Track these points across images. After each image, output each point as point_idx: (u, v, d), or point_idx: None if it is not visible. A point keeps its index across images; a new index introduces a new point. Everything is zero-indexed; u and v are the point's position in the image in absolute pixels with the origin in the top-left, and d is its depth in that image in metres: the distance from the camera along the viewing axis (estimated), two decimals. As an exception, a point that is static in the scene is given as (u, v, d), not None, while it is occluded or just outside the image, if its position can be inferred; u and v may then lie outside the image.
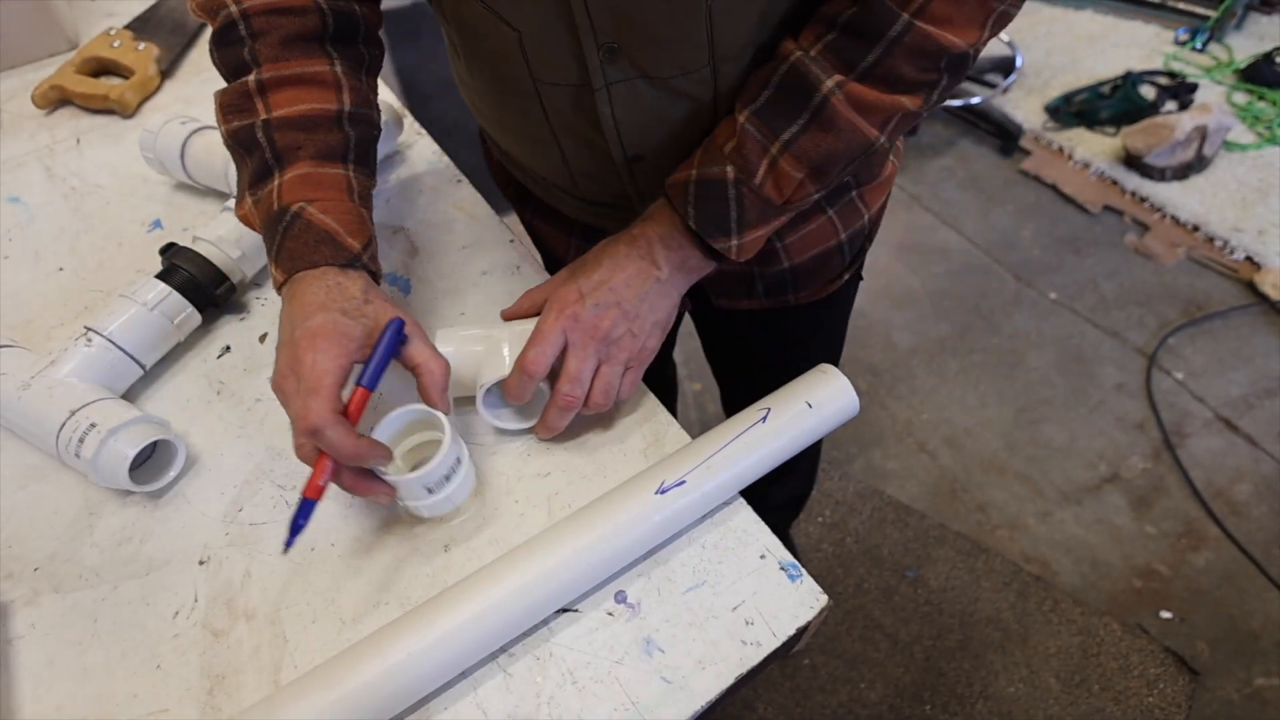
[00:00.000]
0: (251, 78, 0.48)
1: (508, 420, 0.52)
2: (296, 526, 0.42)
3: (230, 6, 0.49)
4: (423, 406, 0.46)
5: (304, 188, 0.47)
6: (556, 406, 0.49)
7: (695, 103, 0.51)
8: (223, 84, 0.50)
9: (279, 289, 0.47)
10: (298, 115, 0.48)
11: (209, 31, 0.51)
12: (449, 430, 0.45)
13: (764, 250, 0.65)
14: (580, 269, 0.51)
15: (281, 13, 0.49)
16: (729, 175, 0.48)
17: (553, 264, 0.68)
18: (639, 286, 0.50)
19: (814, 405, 0.50)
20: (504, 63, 0.51)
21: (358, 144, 0.51)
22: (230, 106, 0.49)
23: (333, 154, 0.49)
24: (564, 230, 0.69)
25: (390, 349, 0.45)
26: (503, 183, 0.73)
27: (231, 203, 0.62)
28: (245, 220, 0.49)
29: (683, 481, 0.46)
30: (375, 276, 0.49)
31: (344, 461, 0.42)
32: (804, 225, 0.64)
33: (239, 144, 0.49)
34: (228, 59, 0.50)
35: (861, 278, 0.75)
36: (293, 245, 0.46)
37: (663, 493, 0.45)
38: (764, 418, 0.49)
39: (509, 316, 0.55)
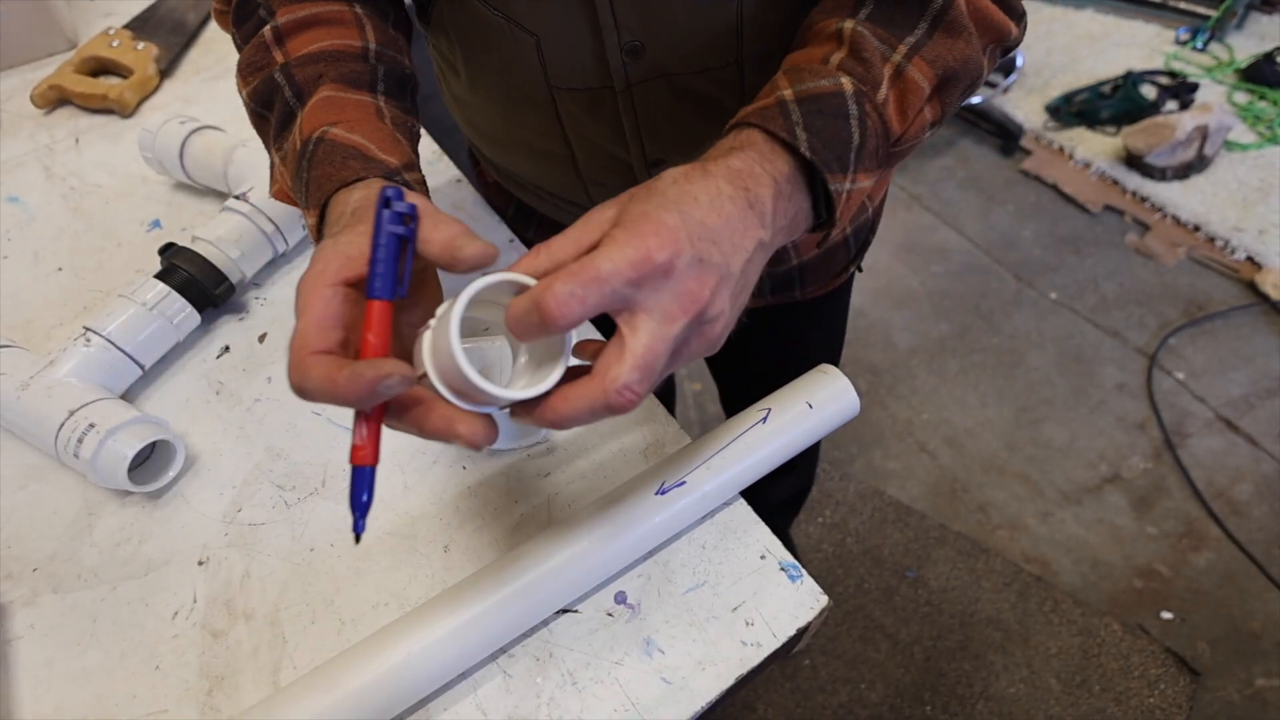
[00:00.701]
0: (267, 29, 0.44)
1: (501, 442, 0.52)
2: (359, 504, 0.31)
3: None
4: (499, 277, 0.31)
5: (326, 111, 0.40)
6: (606, 405, 0.30)
7: (720, 105, 0.50)
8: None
9: (317, 242, 0.37)
10: (317, 50, 0.43)
11: (210, 29, 0.49)
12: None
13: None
14: (664, 197, 0.32)
15: None
16: (846, 87, 0.36)
17: None
18: (743, 246, 0.33)
19: (814, 406, 0.50)
20: (516, 72, 0.50)
21: (386, 77, 0.44)
22: (249, 66, 0.44)
23: (358, 81, 0.43)
24: None
25: (390, 232, 0.31)
26: (500, 204, 0.71)
27: (233, 202, 0.62)
28: (280, 196, 0.44)
29: (683, 482, 0.46)
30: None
31: (352, 404, 0.30)
32: None
33: (260, 102, 0.43)
34: (247, 32, 0.45)
35: (861, 269, 0.76)
36: (318, 173, 0.37)
37: (663, 493, 0.45)
38: (764, 418, 0.49)
39: (534, 268, 0.32)
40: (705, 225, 0.32)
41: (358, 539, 0.32)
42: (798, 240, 0.61)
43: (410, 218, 0.32)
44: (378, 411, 0.32)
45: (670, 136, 0.52)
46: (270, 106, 0.43)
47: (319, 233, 0.38)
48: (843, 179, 0.36)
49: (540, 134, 0.54)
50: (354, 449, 0.32)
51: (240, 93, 0.45)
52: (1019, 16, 0.43)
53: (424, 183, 0.40)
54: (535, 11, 0.45)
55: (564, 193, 0.61)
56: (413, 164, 0.40)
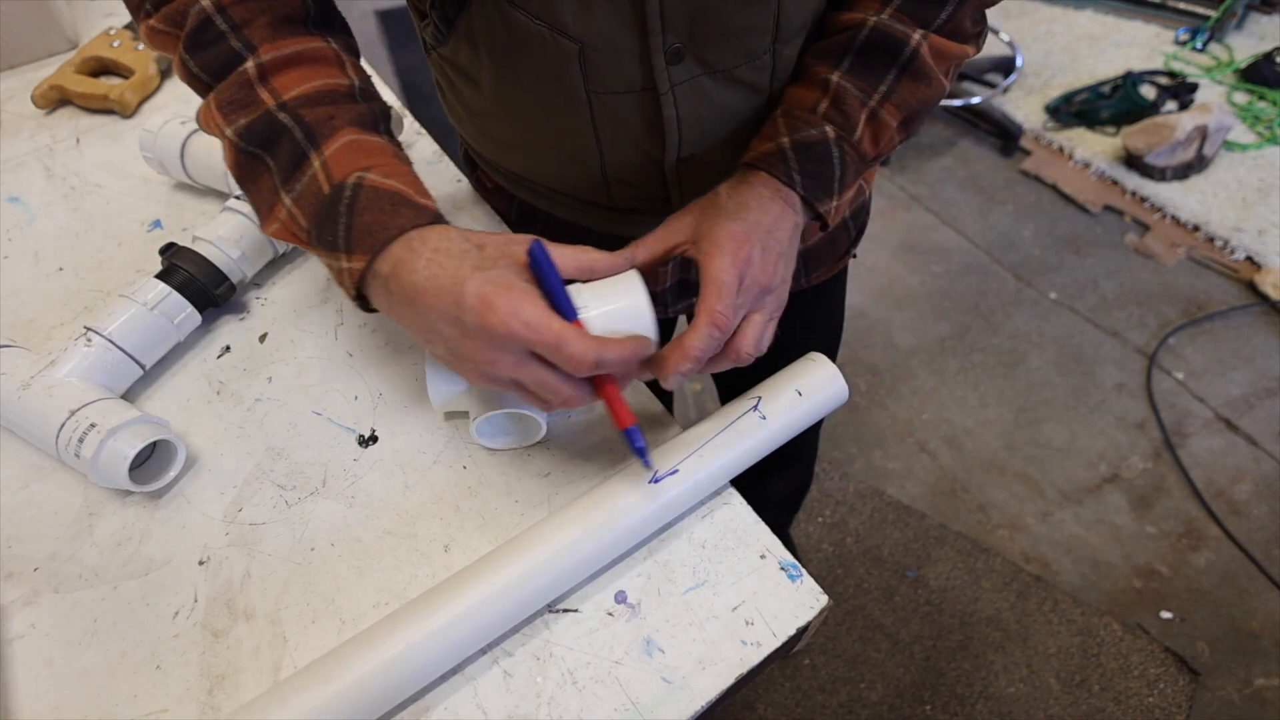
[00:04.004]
0: (249, 64, 0.42)
1: (501, 441, 0.53)
2: (641, 450, 0.43)
3: (200, 2, 0.43)
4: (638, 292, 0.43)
5: (355, 156, 0.41)
6: (712, 324, 0.42)
7: (753, 91, 0.52)
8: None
9: (357, 283, 0.40)
10: (314, 91, 0.43)
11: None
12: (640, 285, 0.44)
13: None
14: (726, 210, 0.46)
15: None
16: (829, 135, 0.47)
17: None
18: (787, 229, 0.47)
19: (804, 393, 0.50)
20: (551, 79, 0.49)
21: (382, 118, 0.45)
22: (231, 104, 0.42)
23: (365, 123, 0.43)
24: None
25: (557, 275, 0.41)
26: (501, 208, 0.70)
27: (233, 202, 0.62)
28: (282, 234, 0.43)
29: (675, 470, 0.46)
30: None
31: (628, 367, 0.40)
32: None
33: (255, 141, 0.42)
34: (211, 60, 0.43)
35: (855, 255, 0.78)
36: (366, 219, 0.39)
37: (656, 482, 0.46)
38: (755, 406, 0.50)
39: (640, 261, 0.47)
40: (761, 224, 0.46)
41: (654, 478, 0.45)
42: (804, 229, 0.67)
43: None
44: (615, 386, 0.42)
45: (707, 132, 0.53)
46: (271, 146, 0.42)
47: (362, 274, 0.40)
48: (828, 201, 0.48)
49: (569, 138, 0.54)
50: (625, 415, 0.43)
51: (221, 131, 0.43)
52: (975, 37, 0.51)
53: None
54: (582, 19, 0.45)
55: (583, 193, 0.61)
56: (434, 201, 0.43)
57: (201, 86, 0.44)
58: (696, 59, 0.48)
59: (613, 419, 0.42)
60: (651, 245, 0.47)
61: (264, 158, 0.43)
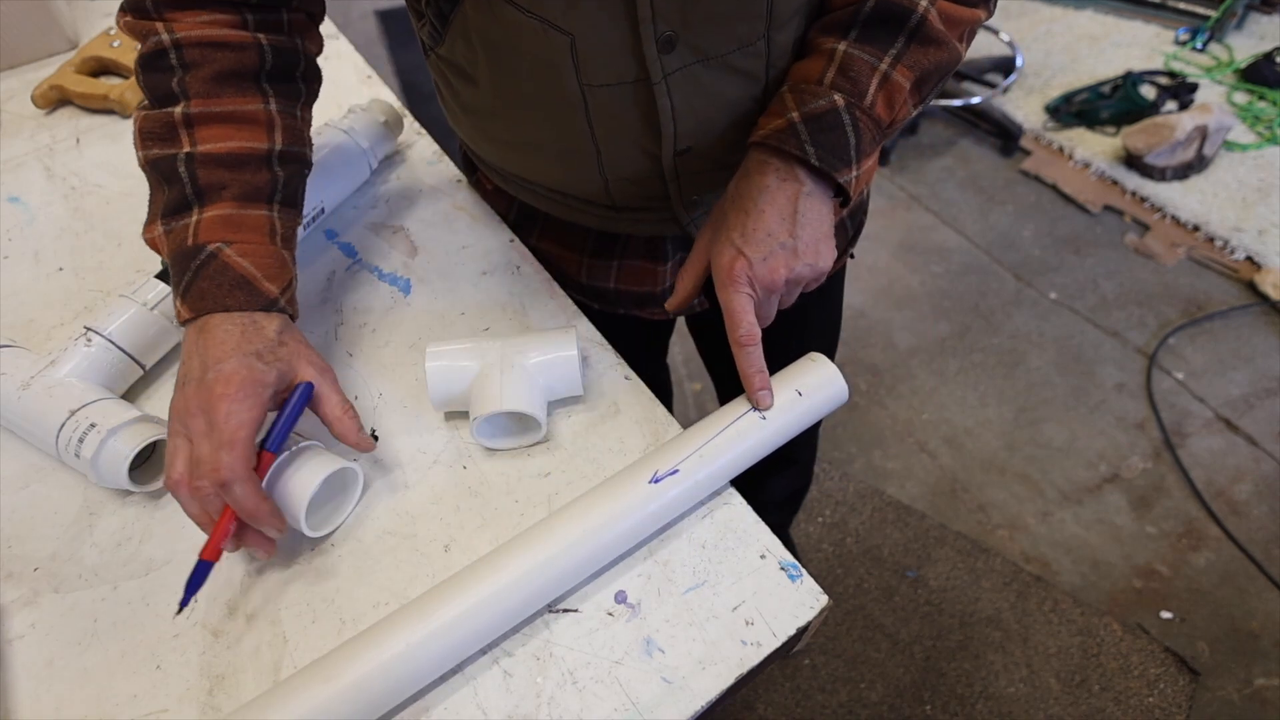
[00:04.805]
0: (178, 110, 0.47)
1: (501, 441, 0.53)
2: (193, 586, 0.43)
3: (161, 34, 0.47)
4: (334, 468, 0.47)
5: (223, 228, 0.46)
6: (740, 344, 0.48)
7: (749, 79, 0.52)
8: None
9: (183, 323, 0.47)
10: (224, 152, 0.47)
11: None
12: (360, 482, 0.50)
13: None
14: (725, 224, 0.49)
15: (217, 46, 0.48)
16: (839, 103, 0.47)
17: (563, 283, 0.66)
18: (788, 209, 0.48)
19: (804, 393, 0.50)
20: (545, 74, 0.50)
21: (285, 184, 0.50)
22: (151, 134, 0.48)
23: (258, 195, 0.48)
24: (575, 249, 0.68)
25: (298, 413, 0.46)
26: (500, 209, 0.70)
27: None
28: (152, 245, 0.48)
29: (675, 470, 0.46)
30: (292, 318, 0.49)
31: (244, 518, 0.43)
32: None
33: (157, 172, 0.48)
34: (154, 84, 0.48)
35: (853, 256, 0.78)
36: (205, 286, 0.45)
37: (656, 481, 0.46)
38: (755, 406, 0.50)
39: (676, 306, 0.54)
40: (759, 227, 0.47)
41: (179, 612, 0.44)
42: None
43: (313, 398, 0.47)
44: (231, 521, 0.43)
45: (703, 122, 0.53)
46: (167, 183, 0.47)
47: (188, 321, 0.46)
48: (848, 171, 0.48)
49: (566, 135, 0.54)
50: (215, 548, 0.43)
51: (136, 148, 0.49)
52: (984, 2, 0.51)
53: (294, 300, 0.49)
54: (571, 11, 0.46)
55: (582, 192, 0.61)
56: (290, 283, 0.49)
57: (143, 95, 0.49)
58: (689, 46, 0.48)
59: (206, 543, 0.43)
60: (692, 271, 0.53)
61: (162, 185, 0.48)
